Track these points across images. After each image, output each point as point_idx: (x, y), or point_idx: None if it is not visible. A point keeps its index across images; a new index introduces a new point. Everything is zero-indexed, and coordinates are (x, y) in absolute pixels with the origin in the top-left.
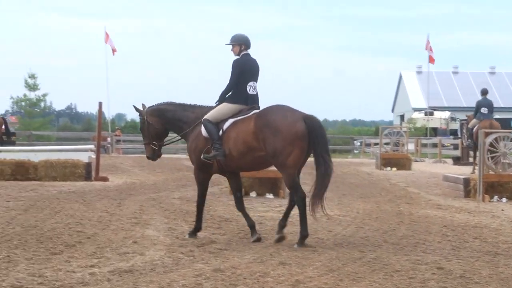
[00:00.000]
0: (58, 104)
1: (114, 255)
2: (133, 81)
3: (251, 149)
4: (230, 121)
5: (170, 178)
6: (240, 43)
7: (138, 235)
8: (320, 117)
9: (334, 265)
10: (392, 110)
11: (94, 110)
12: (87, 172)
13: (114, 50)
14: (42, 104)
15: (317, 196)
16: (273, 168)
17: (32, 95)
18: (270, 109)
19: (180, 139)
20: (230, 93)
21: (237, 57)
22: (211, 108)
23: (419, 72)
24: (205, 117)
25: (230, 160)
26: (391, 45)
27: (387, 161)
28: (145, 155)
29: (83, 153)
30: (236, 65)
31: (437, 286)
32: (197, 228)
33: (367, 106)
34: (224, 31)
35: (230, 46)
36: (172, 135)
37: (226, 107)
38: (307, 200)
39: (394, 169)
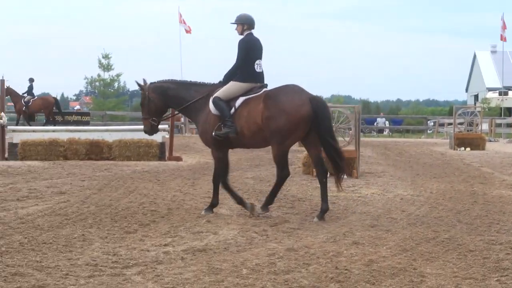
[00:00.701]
0: (132, 84)
1: (188, 234)
2: (207, 61)
3: (261, 129)
4: (241, 99)
5: (243, 158)
6: (243, 22)
7: (212, 215)
8: (394, 97)
9: (407, 244)
10: (466, 90)
11: None
12: (160, 151)
13: (188, 31)
14: (116, 84)
15: (339, 175)
16: (347, 148)
17: (106, 75)
18: (279, 89)
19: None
20: (238, 72)
21: (241, 36)
22: (214, 85)
23: (493, 52)
24: (216, 94)
25: (241, 137)
26: (465, 25)
27: (460, 141)
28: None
29: (156, 133)
30: (242, 44)
31: (511, 266)
32: (214, 203)
33: (441, 86)
34: (298, 13)
35: (234, 26)
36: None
37: (236, 85)
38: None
39: (468, 149)
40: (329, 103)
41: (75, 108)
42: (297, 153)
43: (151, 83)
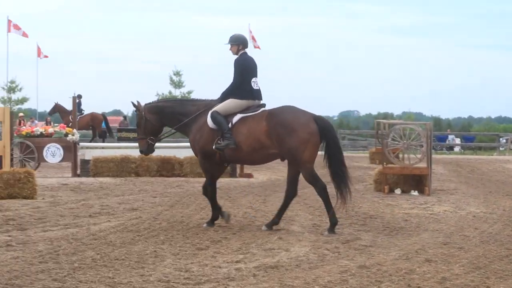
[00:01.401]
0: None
1: (260, 251)
2: (276, 78)
3: (263, 146)
4: (239, 116)
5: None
6: (238, 43)
7: (283, 231)
8: (465, 114)
9: (480, 262)
10: None
11: None
12: (232, 168)
13: (256, 47)
14: None
15: (345, 195)
16: (419, 165)
17: (177, 92)
18: (281, 109)
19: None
20: (235, 90)
21: (236, 56)
22: (212, 101)
23: None
24: (214, 109)
25: (238, 152)
26: None
27: None
28: None
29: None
30: (238, 64)
31: None
32: (214, 218)
33: None
34: (367, 29)
35: (229, 46)
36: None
37: (234, 102)
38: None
39: None
40: (400, 120)
41: None
42: (369, 170)
43: (146, 104)
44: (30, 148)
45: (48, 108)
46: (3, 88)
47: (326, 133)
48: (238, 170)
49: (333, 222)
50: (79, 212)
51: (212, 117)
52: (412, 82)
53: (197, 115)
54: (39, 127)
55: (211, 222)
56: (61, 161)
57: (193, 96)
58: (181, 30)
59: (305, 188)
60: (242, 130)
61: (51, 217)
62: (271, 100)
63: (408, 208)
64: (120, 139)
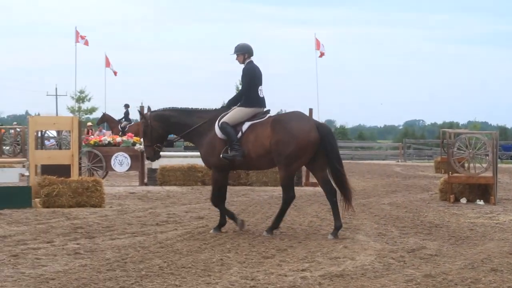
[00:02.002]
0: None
1: (325, 260)
2: (345, 86)
3: (268, 152)
4: (247, 124)
5: (379, 184)
6: (244, 52)
7: (348, 240)
8: None
9: None
10: None
11: None
12: (297, 177)
13: (322, 54)
14: None
15: (348, 199)
16: (484, 174)
17: None
18: (286, 115)
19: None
20: (242, 98)
21: (243, 65)
22: (217, 111)
23: None
24: (223, 120)
25: (248, 160)
26: None
27: None
28: (352, 161)
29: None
30: (246, 72)
31: None
32: (221, 223)
33: None
34: (434, 38)
35: (235, 56)
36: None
37: (242, 111)
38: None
39: None
40: (466, 129)
41: None
42: (434, 179)
43: (151, 112)
44: (98, 157)
45: (116, 117)
46: (72, 98)
47: (325, 141)
48: (303, 179)
49: (275, 227)
50: (146, 221)
51: (221, 128)
52: (478, 92)
53: (201, 125)
54: (107, 136)
55: (218, 228)
56: (128, 170)
57: None
58: (250, 40)
59: (370, 197)
60: (251, 138)
61: (118, 226)
62: (338, 107)
63: (473, 217)
64: (187, 148)
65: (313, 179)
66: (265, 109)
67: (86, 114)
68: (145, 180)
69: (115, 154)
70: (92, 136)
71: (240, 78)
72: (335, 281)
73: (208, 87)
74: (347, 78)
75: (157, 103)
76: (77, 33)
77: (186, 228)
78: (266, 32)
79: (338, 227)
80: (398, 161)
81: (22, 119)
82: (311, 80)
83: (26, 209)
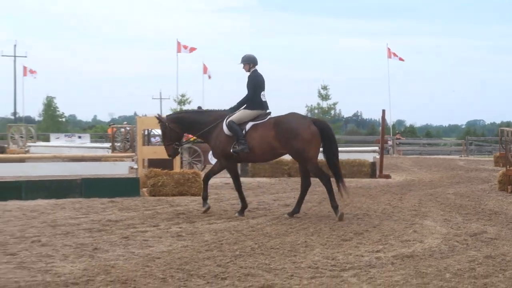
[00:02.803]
0: (346, 111)
1: (397, 242)
2: (411, 91)
3: (273, 148)
4: (250, 124)
5: (445, 176)
6: (249, 62)
7: (417, 225)
8: None
9: None
10: None
11: (377, 116)
12: (372, 170)
13: (400, 59)
14: (332, 112)
15: (342, 181)
16: None
17: (324, 104)
18: (285, 117)
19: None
20: (248, 101)
21: (248, 73)
22: (224, 111)
23: None
24: (230, 119)
25: (252, 154)
26: None
27: None
28: (420, 156)
29: (368, 154)
30: (251, 80)
31: None
32: (243, 207)
33: None
34: (489, 48)
35: (241, 65)
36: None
37: (247, 112)
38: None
39: None
40: None
41: None
42: (493, 172)
43: (167, 116)
44: (197, 152)
45: None
46: (175, 101)
47: (324, 132)
48: (377, 172)
49: (334, 205)
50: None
51: (228, 126)
52: None
53: (214, 125)
54: None
55: (241, 212)
56: None
57: (337, 106)
58: (327, 50)
59: (436, 188)
60: (255, 136)
61: (215, 212)
62: (408, 108)
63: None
64: None
65: (386, 172)
66: (267, 111)
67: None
68: (239, 173)
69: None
70: None
71: (246, 84)
72: (405, 261)
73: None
74: (416, 82)
75: None
76: (178, 44)
77: (274, 214)
78: (340, 43)
79: (335, 206)
80: (461, 156)
81: (131, 119)
82: (383, 85)
83: (135, 197)
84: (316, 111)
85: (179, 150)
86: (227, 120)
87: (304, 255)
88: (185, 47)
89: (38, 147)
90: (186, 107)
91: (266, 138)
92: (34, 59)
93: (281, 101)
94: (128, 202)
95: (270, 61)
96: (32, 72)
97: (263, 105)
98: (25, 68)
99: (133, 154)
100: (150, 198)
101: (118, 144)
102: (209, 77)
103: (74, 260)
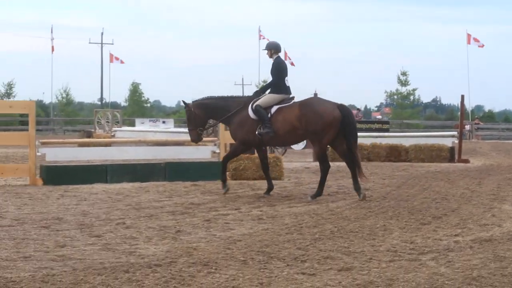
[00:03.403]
0: (425, 97)
1: (475, 226)
2: (492, 77)
3: (294, 129)
4: (275, 107)
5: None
6: (271, 48)
7: (496, 209)
8: None
9: None
10: None
11: (456, 102)
12: (450, 155)
13: (480, 45)
14: (412, 97)
15: (359, 166)
16: None
17: (403, 89)
18: (311, 100)
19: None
20: (274, 86)
21: (271, 59)
22: (249, 97)
23: None
24: (257, 103)
25: (276, 136)
26: None
27: None
28: (499, 141)
29: (447, 139)
30: (276, 65)
31: None
32: (223, 179)
33: None
34: None
35: (266, 51)
36: None
37: (273, 97)
38: None
39: None
40: None
41: (377, 118)
42: None
43: (193, 101)
44: None
45: None
46: (256, 86)
47: (346, 120)
48: (456, 157)
49: (319, 194)
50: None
51: (255, 110)
52: None
53: (239, 109)
54: None
55: (267, 192)
56: (304, 148)
57: (417, 92)
58: (408, 36)
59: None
60: (279, 118)
61: (295, 195)
62: (487, 94)
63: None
64: None
65: (464, 157)
66: (290, 96)
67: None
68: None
69: None
70: None
71: (270, 70)
72: (484, 245)
73: (371, 78)
74: (495, 68)
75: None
76: (259, 32)
77: (353, 198)
78: (421, 29)
79: (358, 188)
80: None
81: None
82: (462, 71)
83: (217, 181)
84: (395, 96)
85: (202, 135)
86: (254, 104)
87: (382, 238)
88: (262, 37)
89: (123, 132)
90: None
91: (290, 119)
92: (121, 47)
93: (357, 86)
94: (210, 186)
95: (348, 47)
96: (117, 59)
97: (287, 90)
98: (111, 55)
99: (215, 138)
100: (231, 181)
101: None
102: (292, 64)
103: (157, 242)
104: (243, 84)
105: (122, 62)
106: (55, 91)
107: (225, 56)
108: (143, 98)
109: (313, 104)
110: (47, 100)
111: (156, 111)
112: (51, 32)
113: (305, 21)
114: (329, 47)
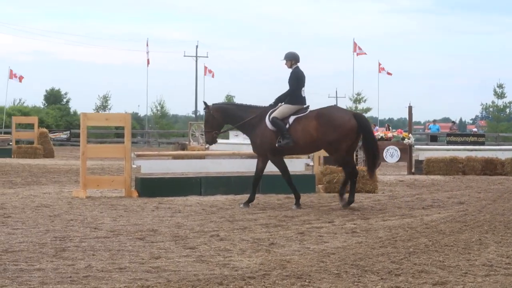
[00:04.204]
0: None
1: None
2: None
3: (313, 140)
4: (293, 117)
5: None
6: (291, 59)
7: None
8: None
9: None
10: None
11: None
12: None
13: None
14: (508, 110)
15: (374, 168)
16: None
17: (499, 102)
18: (328, 109)
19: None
20: (290, 96)
21: (290, 69)
22: (265, 107)
23: None
24: (274, 115)
25: (295, 146)
26: None
27: None
28: None
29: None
30: (294, 75)
31: None
32: (297, 197)
33: None
34: None
35: (284, 61)
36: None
37: (289, 107)
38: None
39: None
40: None
41: (472, 131)
42: None
43: (213, 104)
44: None
45: (387, 116)
46: (350, 99)
47: (363, 128)
48: None
49: (351, 200)
50: (414, 205)
51: (273, 122)
52: None
53: (252, 118)
54: (380, 132)
55: (297, 203)
56: (398, 161)
57: None
58: (505, 48)
59: None
60: (298, 128)
61: (389, 209)
62: None
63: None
64: (450, 143)
65: None
66: (305, 106)
67: (362, 113)
68: (413, 170)
69: (387, 147)
70: None
71: (287, 80)
72: None
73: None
74: None
75: (423, 105)
76: (355, 44)
77: (448, 212)
78: None
79: (351, 201)
80: None
81: None
82: None
83: (311, 193)
84: (491, 109)
85: (217, 138)
86: (271, 117)
87: (478, 252)
88: (360, 49)
89: (217, 145)
90: (361, 105)
91: (308, 130)
92: (214, 59)
93: (455, 99)
94: (304, 198)
95: (446, 58)
96: (210, 72)
97: (303, 100)
98: (205, 67)
99: None
100: (325, 194)
101: None
102: (389, 73)
103: (251, 254)
104: (336, 97)
105: (213, 75)
106: (150, 104)
107: (319, 68)
108: None
109: (330, 114)
110: (142, 112)
111: None
112: (147, 45)
113: (401, 33)
114: (424, 60)
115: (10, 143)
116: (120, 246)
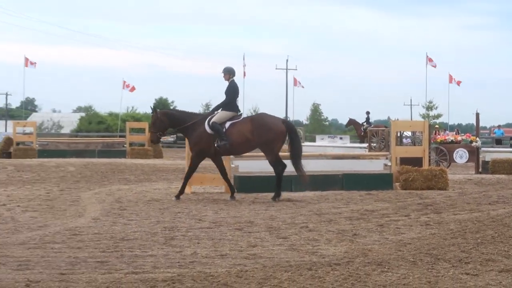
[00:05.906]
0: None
1: None
2: None
3: (247, 141)
4: (229, 123)
5: None
6: (229, 72)
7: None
8: None
9: None
10: None
11: None
12: None
13: None
14: None
15: (299, 166)
16: None
17: None
18: (260, 115)
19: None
20: (227, 105)
21: (227, 82)
22: (205, 114)
23: None
24: (213, 120)
25: (231, 147)
26: None
27: None
28: None
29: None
30: (231, 88)
31: None
32: (181, 192)
33: None
34: None
35: (222, 74)
36: None
37: (226, 113)
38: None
39: None
40: None
41: None
42: None
43: (160, 110)
44: (443, 152)
45: (456, 122)
46: (423, 107)
47: (290, 132)
48: None
49: (278, 193)
50: (481, 201)
51: (212, 126)
52: None
53: (194, 123)
54: (450, 136)
55: (177, 196)
56: (466, 162)
57: None
58: None
59: None
60: (234, 132)
61: (459, 204)
62: None
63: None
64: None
65: None
66: (239, 113)
67: (433, 119)
68: (480, 170)
69: (456, 150)
70: (438, 136)
71: (224, 91)
72: None
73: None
74: None
75: (491, 113)
76: (427, 56)
77: None
78: None
79: (279, 195)
80: None
81: (385, 123)
82: None
83: (389, 190)
84: None
85: (160, 138)
86: (210, 122)
87: None
88: (431, 60)
89: (305, 147)
90: (433, 112)
91: (243, 132)
92: (304, 71)
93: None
94: (383, 195)
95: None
96: (299, 83)
97: (237, 108)
98: (295, 79)
99: (387, 153)
100: (401, 191)
101: (374, 144)
102: (458, 83)
103: (336, 243)
104: (411, 105)
105: (302, 86)
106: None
107: (395, 76)
108: (322, 117)
109: (263, 119)
110: None
111: (334, 129)
112: (243, 59)
113: (471, 47)
114: (490, 70)
115: (125, 145)
116: (221, 236)
